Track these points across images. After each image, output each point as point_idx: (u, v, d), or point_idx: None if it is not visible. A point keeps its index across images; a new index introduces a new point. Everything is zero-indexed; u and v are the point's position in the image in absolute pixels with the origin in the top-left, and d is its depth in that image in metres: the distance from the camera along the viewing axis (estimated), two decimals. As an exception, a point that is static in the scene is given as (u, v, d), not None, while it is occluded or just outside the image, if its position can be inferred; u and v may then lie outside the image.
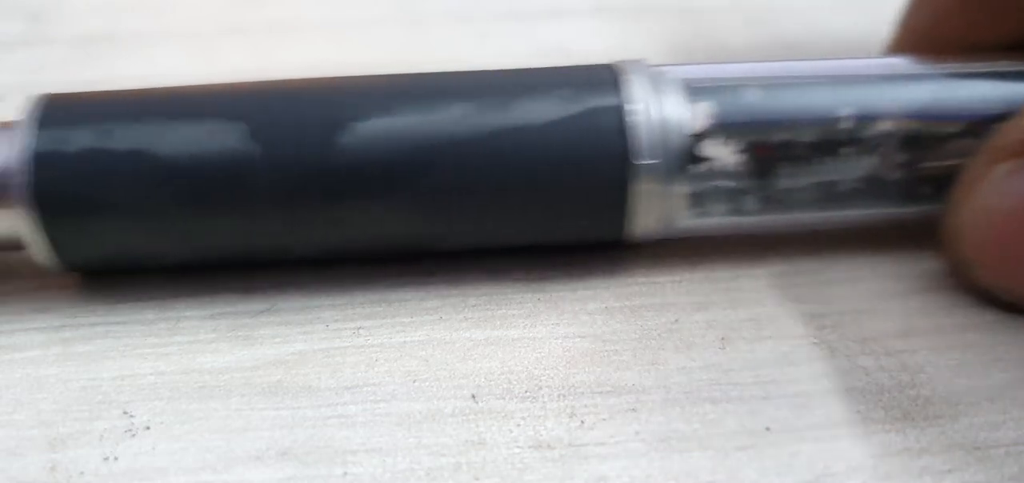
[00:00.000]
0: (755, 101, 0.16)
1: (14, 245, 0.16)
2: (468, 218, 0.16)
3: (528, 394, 0.15)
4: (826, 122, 0.16)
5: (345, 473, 0.14)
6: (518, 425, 0.15)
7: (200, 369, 0.16)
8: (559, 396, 0.15)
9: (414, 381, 0.16)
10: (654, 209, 0.16)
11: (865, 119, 0.16)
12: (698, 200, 0.16)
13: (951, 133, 0.16)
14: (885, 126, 0.16)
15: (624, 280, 0.18)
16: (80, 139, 0.15)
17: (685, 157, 0.16)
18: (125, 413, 0.15)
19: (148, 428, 0.15)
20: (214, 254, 0.17)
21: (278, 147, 0.15)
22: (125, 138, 0.15)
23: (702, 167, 0.16)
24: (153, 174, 0.15)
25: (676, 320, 0.17)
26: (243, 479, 0.14)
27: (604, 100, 0.16)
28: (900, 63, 0.17)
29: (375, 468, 0.14)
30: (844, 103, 0.16)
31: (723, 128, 0.16)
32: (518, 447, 0.15)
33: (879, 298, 0.17)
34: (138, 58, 0.25)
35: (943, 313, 0.17)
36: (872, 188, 0.17)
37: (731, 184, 0.16)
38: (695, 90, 0.16)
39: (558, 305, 0.17)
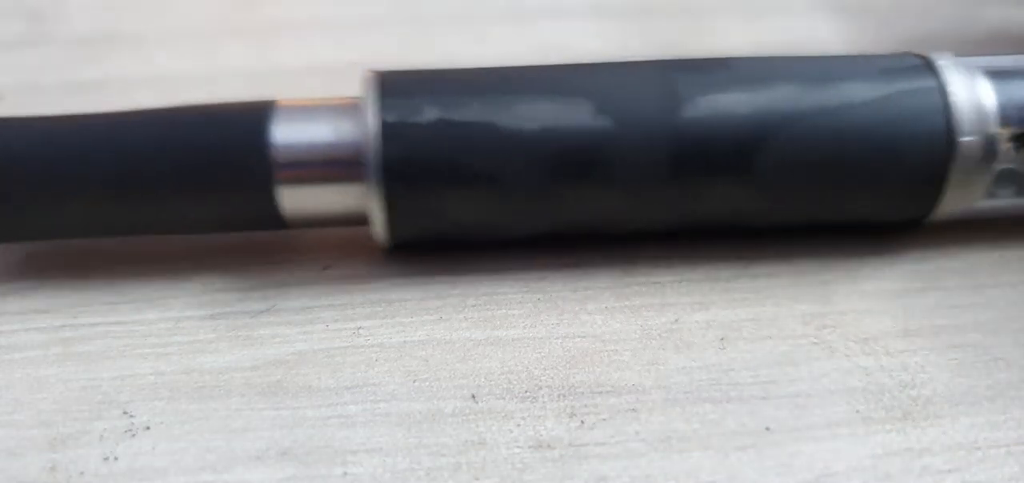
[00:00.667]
0: None
1: (357, 220, 0.17)
2: (796, 193, 0.17)
3: (528, 394, 0.15)
4: None
5: (345, 473, 0.14)
6: (518, 425, 0.15)
7: (200, 369, 0.16)
8: (559, 396, 0.15)
9: (414, 381, 0.16)
10: (966, 188, 0.17)
11: None
12: (994, 182, 0.17)
13: None
14: None
15: (624, 280, 0.18)
16: (429, 112, 0.16)
17: (997, 140, 0.16)
18: (125, 413, 0.15)
19: (148, 428, 0.15)
20: (558, 225, 0.17)
21: (628, 122, 0.16)
22: (474, 111, 0.16)
23: (1014, 149, 0.17)
24: (505, 146, 0.16)
25: (676, 320, 0.17)
26: (243, 479, 0.14)
27: (924, 82, 0.16)
28: None
29: (375, 468, 0.14)
30: None
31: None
32: (518, 447, 0.15)
33: (879, 298, 0.17)
34: (138, 58, 0.25)
35: (943, 313, 0.17)
36: None
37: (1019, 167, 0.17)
38: (996, 76, 0.17)
39: (558, 305, 0.17)
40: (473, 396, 0.15)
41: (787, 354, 0.16)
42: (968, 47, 0.27)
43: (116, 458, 0.14)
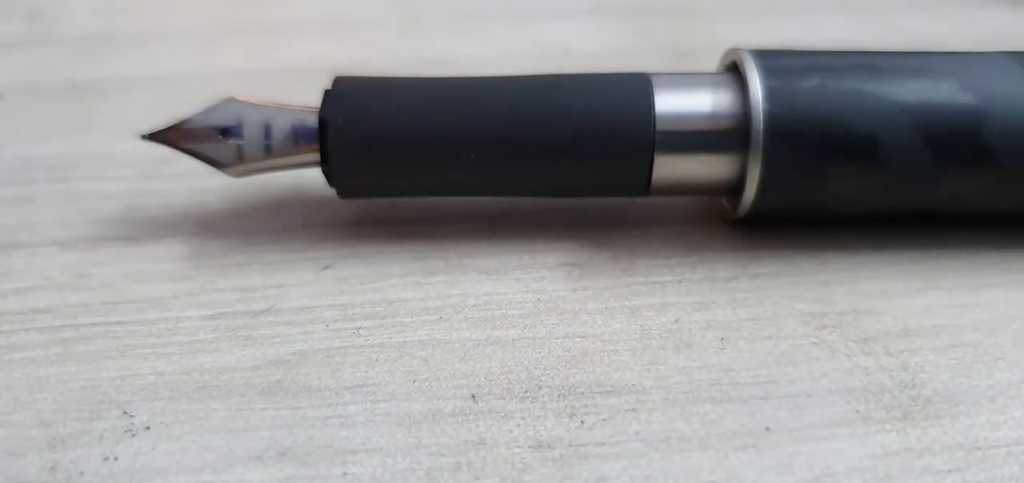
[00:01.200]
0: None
1: (717, 190, 0.18)
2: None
3: (528, 394, 0.15)
4: None
5: (345, 473, 0.14)
6: (518, 425, 0.15)
7: (200, 369, 0.16)
8: (559, 396, 0.15)
9: (414, 381, 0.16)
10: None
11: None
12: None
13: None
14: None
15: (624, 280, 0.18)
16: (810, 79, 0.17)
17: None
18: (125, 413, 0.15)
19: (148, 428, 0.15)
20: (932, 204, 0.17)
21: (997, 103, 0.16)
22: (852, 81, 0.17)
23: None
24: (889, 112, 0.16)
25: (676, 320, 0.17)
26: (243, 479, 0.14)
27: None
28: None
29: (375, 468, 0.14)
30: None
31: None
32: (518, 447, 0.15)
33: (879, 298, 0.17)
34: (138, 57, 0.25)
35: (943, 313, 0.17)
36: None
37: None
38: None
39: (558, 305, 0.17)
40: (473, 396, 0.15)
41: (787, 354, 0.16)
42: (969, 47, 0.27)
43: (116, 458, 0.14)
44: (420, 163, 0.17)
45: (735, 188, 0.18)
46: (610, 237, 0.19)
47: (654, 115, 0.17)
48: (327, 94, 0.17)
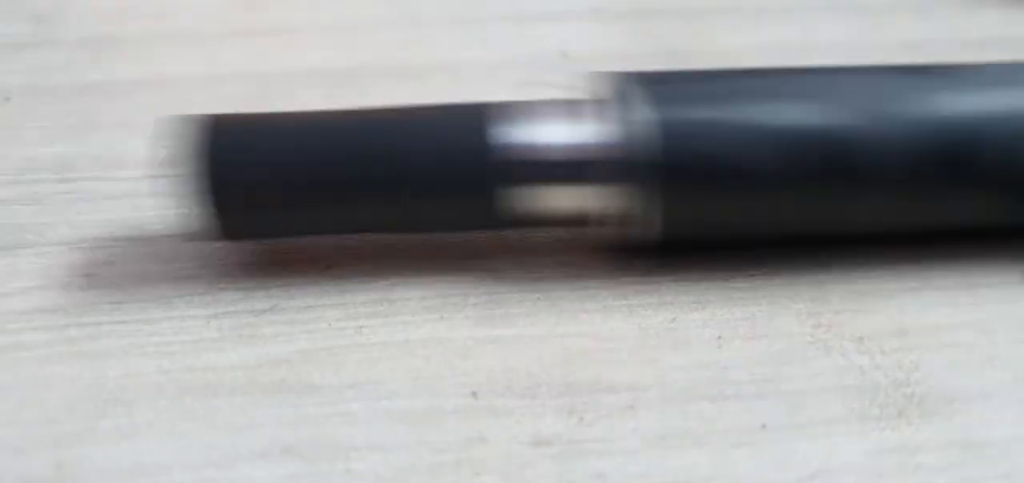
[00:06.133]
0: None
1: (583, 221, 0.17)
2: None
3: (528, 392, 0.16)
4: None
5: (347, 469, 0.14)
6: (518, 422, 0.15)
7: (204, 367, 0.16)
8: (558, 394, 0.16)
9: (416, 379, 0.16)
10: None
11: None
12: None
13: None
14: None
15: (622, 280, 0.18)
16: (699, 111, 0.16)
17: None
18: (130, 411, 0.15)
19: (153, 426, 0.15)
20: (812, 226, 0.17)
21: (884, 125, 0.16)
22: (735, 110, 0.16)
23: None
24: (772, 142, 0.16)
25: (673, 319, 0.17)
26: (247, 476, 0.14)
27: None
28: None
29: (377, 464, 0.14)
30: None
31: None
32: (518, 444, 0.15)
33: (874, 297, 0.17)
34: (142, 60, 0.25)
35: (938, 311, 0.17)
36: None
37: None
38: None
39: (558, 304, 0.17)
40: (474, 394, 0.16)
41: (783, 353, 0.16)
42: (967, 48, 0.27)
43: (121, 456, 0.15)
44: (284, 203, 0.16)
45: (619, 220, 0.17)
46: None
47: (500, 147, 0.16)
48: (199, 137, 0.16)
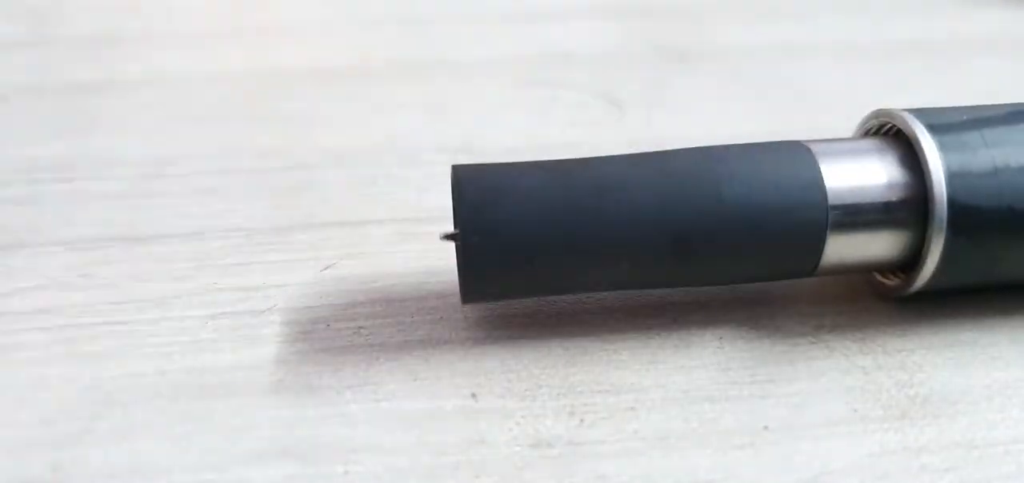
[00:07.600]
0: None
1: (875, 268, 0.17)
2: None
3: (528, 393, 0.15)
4: None
5: (346, 471, 0.14)
6: (518, 423, 0.15)
7: (202, 368, 0.16)
8: (558, 395, 0.15)
9: (415, 380, 0.16)
10: None
11: None
12: None
13: None
14: None
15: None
16: (983, 159, 0.16)
17: None
18: (128, 412, 0.15)
19: (150, 427, 0.15)
20: None
21: None
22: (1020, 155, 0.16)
23: None
24: None
25: (674, 320, 0.17)
26: (245, 477, 0.14)
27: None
28: None
29: (376, 466, 0.14)
30: None
31: None
32: (518, 445, 0.15)
33: (876, 297, 0.17)
34: (140, 58, 0.25)
35: (940, 312, 0.17)
36: None
37: None
38: None
39: (557, 304, 0.17)
40: (473, 395, 0.15)
41: (785, 353, 0.16)
42: (966, 48, 0.27)
43: (119, 457, 0.14)
44: (562, 274, 0.16)
45: (901, 266, 0.17)
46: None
47: (827, 191, 0.15)
48: (458, 201, 0.15)
